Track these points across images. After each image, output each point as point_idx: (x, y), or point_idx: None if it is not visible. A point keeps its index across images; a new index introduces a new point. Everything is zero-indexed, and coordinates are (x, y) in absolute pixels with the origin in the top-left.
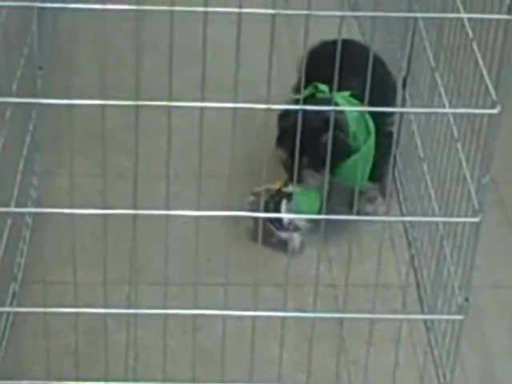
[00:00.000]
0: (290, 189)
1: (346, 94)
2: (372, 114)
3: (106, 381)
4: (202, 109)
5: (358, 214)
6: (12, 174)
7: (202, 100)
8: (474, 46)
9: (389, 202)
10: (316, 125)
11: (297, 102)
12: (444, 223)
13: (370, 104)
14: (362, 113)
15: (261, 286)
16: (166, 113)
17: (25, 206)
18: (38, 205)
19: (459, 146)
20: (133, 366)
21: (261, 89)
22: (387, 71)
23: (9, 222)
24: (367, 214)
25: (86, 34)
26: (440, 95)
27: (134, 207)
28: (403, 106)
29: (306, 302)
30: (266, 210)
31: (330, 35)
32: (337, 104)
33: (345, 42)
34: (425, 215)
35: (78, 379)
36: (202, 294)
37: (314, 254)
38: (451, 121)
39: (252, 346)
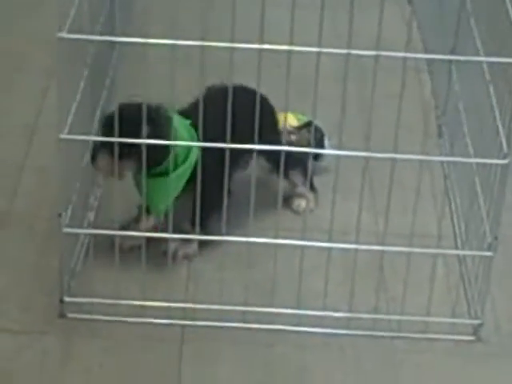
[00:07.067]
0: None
1: (187, 122)
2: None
3: (168, 302)
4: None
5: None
6: None
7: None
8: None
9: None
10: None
11: None
12: (477, 165)
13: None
14: (192, 136)
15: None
16: None
17: None
18: None
19: (491, 88)
20: (192, 292)
21: None
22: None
23: None
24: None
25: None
26: None
27: None
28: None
29: (350, 239)
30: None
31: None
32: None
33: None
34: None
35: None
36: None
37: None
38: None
39: (300, 277)
